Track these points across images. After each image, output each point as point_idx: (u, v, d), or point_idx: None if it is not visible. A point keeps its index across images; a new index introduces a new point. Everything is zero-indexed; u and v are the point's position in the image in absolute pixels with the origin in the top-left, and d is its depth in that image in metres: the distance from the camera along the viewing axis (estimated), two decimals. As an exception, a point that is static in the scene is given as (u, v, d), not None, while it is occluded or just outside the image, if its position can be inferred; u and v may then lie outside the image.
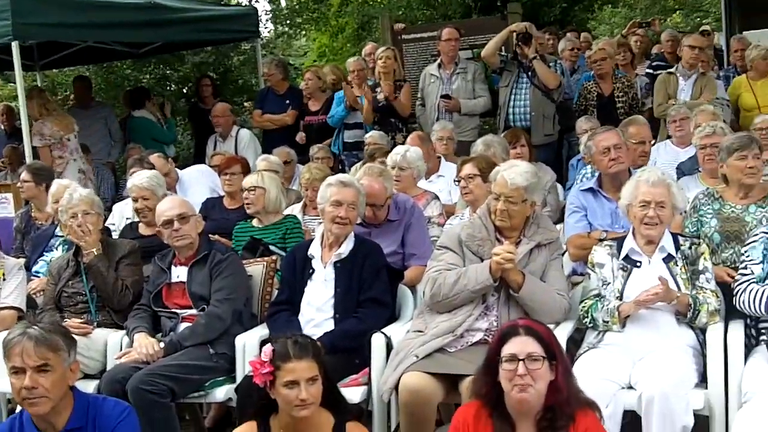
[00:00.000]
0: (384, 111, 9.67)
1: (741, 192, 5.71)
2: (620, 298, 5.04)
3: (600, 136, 6.30)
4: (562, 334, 5.05)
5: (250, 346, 5.44)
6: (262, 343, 5.47)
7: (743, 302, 4.94)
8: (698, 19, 27.13)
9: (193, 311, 5.67)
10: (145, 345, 5.43)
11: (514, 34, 9.29)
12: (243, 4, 19.33)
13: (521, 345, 3.83)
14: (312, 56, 25.38)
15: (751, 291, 4.91)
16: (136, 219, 7.22)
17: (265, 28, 22.36)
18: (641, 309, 4.94)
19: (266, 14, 22.34)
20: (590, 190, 6.25)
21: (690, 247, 5.12)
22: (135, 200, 6.96)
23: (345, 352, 5.30)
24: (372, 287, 5.54)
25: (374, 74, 10.16)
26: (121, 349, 5.66)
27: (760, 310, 4.84)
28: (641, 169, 5.45)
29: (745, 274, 5.02)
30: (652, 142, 7.76)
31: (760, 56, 9.79)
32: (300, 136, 10.37)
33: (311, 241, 5.86)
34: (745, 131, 6.86)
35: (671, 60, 10.61)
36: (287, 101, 10.72)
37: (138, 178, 7.02)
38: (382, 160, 7.52)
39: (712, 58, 10.95)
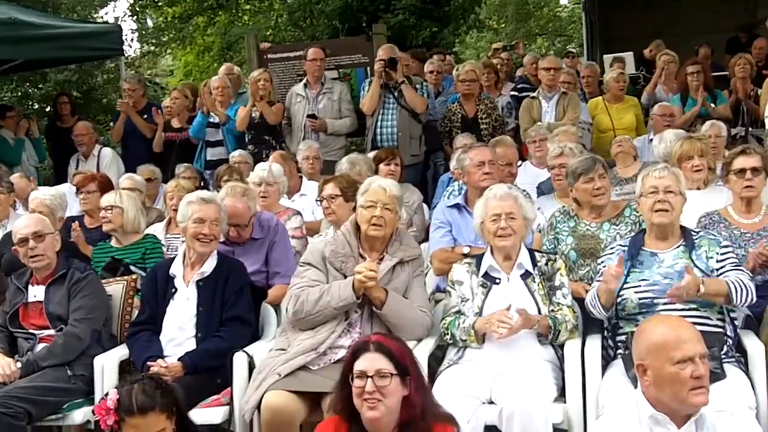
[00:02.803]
0: (259, 128, 9.63)
1: (594, 212, 5.88)
2: (480, 314, 5.08)
3: (475, 150, 6.48)
4: (424, 350, 5.09)
5: (109, 368, 5.35)
6: (122, 364, 5.39)
7: (588, 302, 5.02)
8: (560, 44, 27.98)
9: (51, 332, 5.53)
10: (1, 365, 5.31)
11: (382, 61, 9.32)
12: (109, 22, 19.02)
13: (371, 362, 3.83)
14: (178, 75, 25.19)
15: (593, 289, 5.01)
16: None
17: (131, 47, 22.11)
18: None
19: (132, 33, 22.09)
20: (456, 206, 6.34)
21: (546, 263, 5.23)
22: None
23: (206, 372, 5.25)
24: (235, 306, 5.50)
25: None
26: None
27: (601, 312, 4.93)
28: (489, 188, 5.52)
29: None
30: (519, 163, 7.91)
31: (612, 79, 10.15)
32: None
33: (173, 259, 5.78)
34: (590, 153, 6.97)
35: (535, 82, 10.82)
36: (145, 117, 10.57)
37: (42, 193, 7.21)
38: (233, 178, 7.52)
39: (577, 80, 11.18)
